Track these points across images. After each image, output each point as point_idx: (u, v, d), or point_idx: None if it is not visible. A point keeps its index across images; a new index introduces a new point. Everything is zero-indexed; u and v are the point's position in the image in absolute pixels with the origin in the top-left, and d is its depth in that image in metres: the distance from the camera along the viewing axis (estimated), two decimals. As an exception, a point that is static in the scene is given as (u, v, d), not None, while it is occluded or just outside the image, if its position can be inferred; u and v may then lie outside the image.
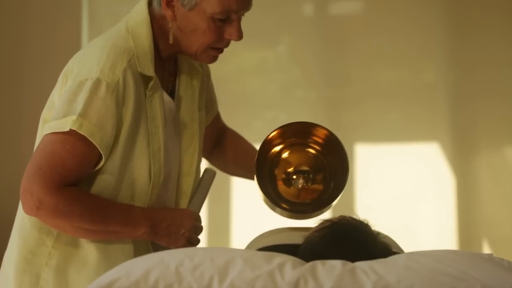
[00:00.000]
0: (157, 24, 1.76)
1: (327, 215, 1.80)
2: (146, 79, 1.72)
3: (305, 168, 1.93)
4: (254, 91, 3.73)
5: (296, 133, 1.93)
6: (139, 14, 1.76)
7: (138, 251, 1.77)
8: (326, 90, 3.68)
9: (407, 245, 1.77)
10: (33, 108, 3.48)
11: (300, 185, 1.92)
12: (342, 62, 3.69)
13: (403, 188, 3.63)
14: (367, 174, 3.62)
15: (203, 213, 1.89)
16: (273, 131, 1.90)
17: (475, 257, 1.44)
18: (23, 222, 1.76)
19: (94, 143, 1.64)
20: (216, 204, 3.57)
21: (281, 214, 1.93)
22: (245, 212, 3.57)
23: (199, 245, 1.82)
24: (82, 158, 1.65)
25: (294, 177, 1.93)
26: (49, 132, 1.66)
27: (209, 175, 1.96)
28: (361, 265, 1.40)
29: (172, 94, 1.86)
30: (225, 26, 1.73)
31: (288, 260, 1.41)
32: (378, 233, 1.58)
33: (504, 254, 2.38)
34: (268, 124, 3.75)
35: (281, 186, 1.94)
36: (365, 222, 1.59)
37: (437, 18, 3.67)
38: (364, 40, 3.66)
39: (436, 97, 3.65)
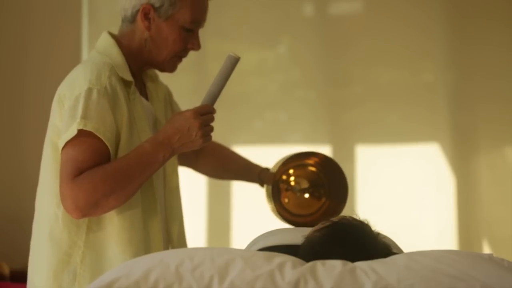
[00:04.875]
0: (125, 42, 2.02)
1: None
2: (127, 84, 1.96)
3: (306, 184, 2.08)
4: (254, 91, 3.73)
5: (296, 160, 2.09)
6: (104, 40, 2.02)
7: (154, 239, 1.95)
8: (326, 90, 3.68)
9: (407, 245, 1.77)
10: (34, 108, 3.48)
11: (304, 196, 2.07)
12: (342, 63, 3.69)
13: (403, 189, 3.63)
14: (367, 175, 3.62)
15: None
16: (278, 167, 2.06)
17: (475, 257, 1.44)
18: (51, 232, 1.90)
19: (100, 136, 1.85)
20: (216, 204, 3.57)
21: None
22: (245, 212, 3.57)
23: (199, 245, 1.82)
24: (93, 150, 1.85)
25: (305, 195, 2.08)
26: (64, 142, 1.85)
27: (230, 61, 1.92)
28: (361, 265, 1.40)
29: None
30: (188, 37, 2.02)
31: (288, 260, 1.41)
32: (378, 233, 1.58)
33: (504, 254, 2.38)
34: (268, 124, 3.75)
35: (288, 200, 2.08)
36: (365, 222, 1.59)
37: (437, 19, 3.67)
38: (364, 40, 3.66)
39: (436, 98, 3.66)
